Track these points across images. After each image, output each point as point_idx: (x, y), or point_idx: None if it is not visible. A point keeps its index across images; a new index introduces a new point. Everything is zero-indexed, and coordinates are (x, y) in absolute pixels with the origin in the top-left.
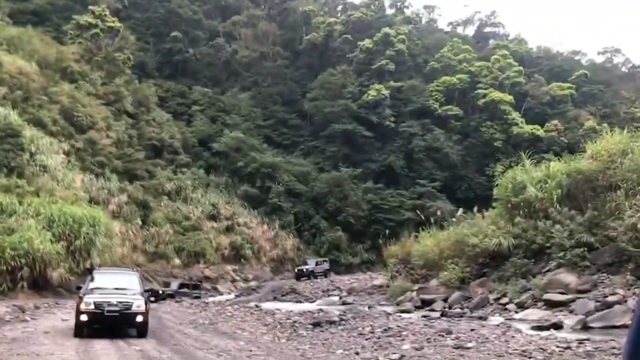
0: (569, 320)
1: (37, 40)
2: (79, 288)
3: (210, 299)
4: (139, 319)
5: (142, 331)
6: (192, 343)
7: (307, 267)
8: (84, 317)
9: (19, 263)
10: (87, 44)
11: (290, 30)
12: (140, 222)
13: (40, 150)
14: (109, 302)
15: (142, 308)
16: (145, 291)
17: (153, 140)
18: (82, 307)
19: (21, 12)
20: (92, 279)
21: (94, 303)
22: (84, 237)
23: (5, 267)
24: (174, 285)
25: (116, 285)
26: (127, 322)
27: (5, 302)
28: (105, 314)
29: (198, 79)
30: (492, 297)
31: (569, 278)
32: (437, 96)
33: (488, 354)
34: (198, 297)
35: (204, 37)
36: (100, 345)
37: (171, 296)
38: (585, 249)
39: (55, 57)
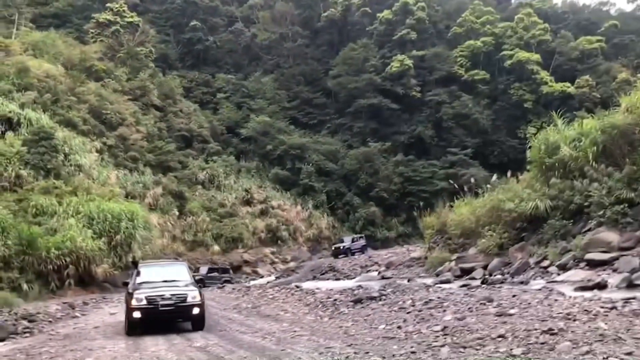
0: (613, 279)
1: (61, 42)
2: (126, 284)
3: (252, 282)
4: (196, 311)
5: (199, 324)
6: (237, 328)
7: (343, 244)
8: (136, 315)
9: (64, 262)
10: (109, 41)
11: (307, 9)
12: (177, 213)
13: (73, 150)
14: (162, 295)
15: (198, 299)
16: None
17: (182, 131)
18: (134, 303)
19: (43, 16)
20: (138, 273)
21: (146, 298)
22: (124, 232)
23: (52, 267)
24: (203, 270)
25: (165, 278)
26: (183, 316)
27: (55, 299)
28: (160, 309)
29: (220, 67)
30: (532, 261)
31: (611, 236)
32: (462, 62)
33: (531, 319)
34: (228, 282)
35: (222, 23)
36: (149, 336)
37: (201, 281)
38: (626, 205)
39: (79, 57)
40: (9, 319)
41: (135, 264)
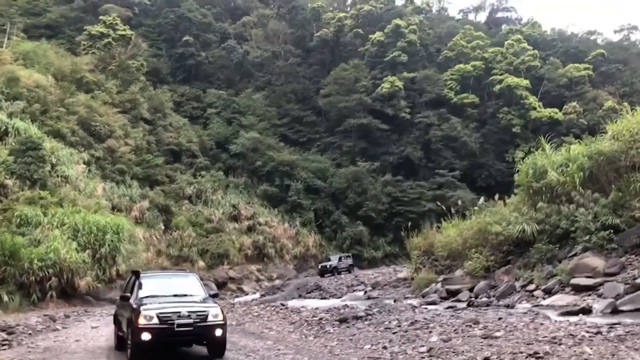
0: (598, 305)
1: (52, 53)
2: (125, 298)
3: (237, 299)
4: (218, 332)
5: (219, 349)
6: None
7: (330, 263)
8: (146, 336)
9: (47, 273)
10: (101, 53)
11: (300, 28)
12: (163, 227)
13: (60, 161)
14: (179, 313)
15: (220, 318)
16: None
17: (171, 145)
18: (142, 322)
19: (35, 27)
20: (140, 285)
21: (158, 316)
22: (109, 245)
23: (34, 278)
24: None
25: (174, 291)
26: (203, 339)
27: (36, 312)
28: (175, 329)
29: (212, 82)
30: (518, 284)
31: (596, 261)
32: (452, 85)
33: (517, 342)
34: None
35: (215, 39)
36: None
37: None
38: (611, 231)
39: (70, 68)
40: None
41: (135, 273)
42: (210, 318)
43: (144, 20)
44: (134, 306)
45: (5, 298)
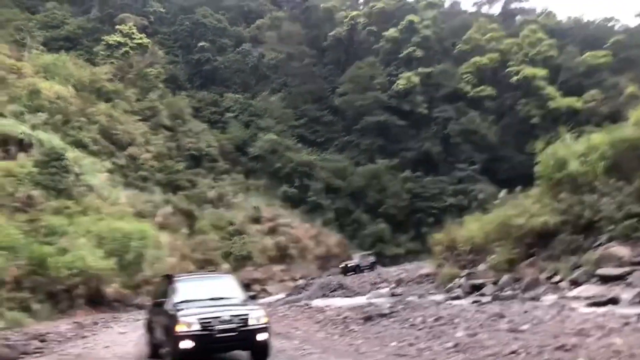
0: (626, 294)
1: (71, 64)
2: (159, 304)
3: (262, 300)
4: (261, 337)
5: (263, 355)
6: None
7: (352, 261)
8: (186, 344)
9: (74, 281)
10: (119, 62)
11: (314, 28)
12: (186, 231)
13: (84, 171)
14: (219, 317)
15: (264, 321)
16: None
17: (191, 151)
18: (181, 329)
19: (54, 39)
20: (174, 290)
21: (199, 321)
22: (134, 251)
23: (62, 286)
24: None
25: (211, 294)
26: (246, 344)
27: (66, 319)
28: (217, 335)
29: (228, 86)
30: (543, 276)
31: (622, 251)
32: (468, 78)
33: (544, 335)
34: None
35: (230, 44)
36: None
37: None
38: (637, 219)
39: (89, 78)
40: (20, 338)
41: (168, 277)
42: (252, 321)
43: (160, 28)
44: (171, 312)
45: (36, 307)
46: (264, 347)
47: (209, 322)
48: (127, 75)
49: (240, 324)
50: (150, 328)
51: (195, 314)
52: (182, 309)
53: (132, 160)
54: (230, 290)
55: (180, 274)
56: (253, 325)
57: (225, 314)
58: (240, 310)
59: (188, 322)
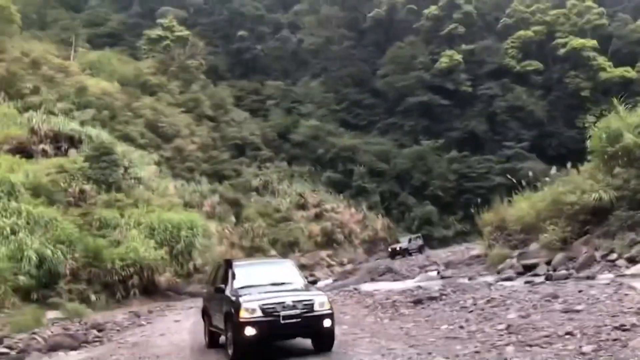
0: None
1: (115, 60)
2: (219, 289)
3: None
4: (327, 323)
5: (328, 342)
6: None
7: (400, 245)
8: (250, 331)
9: (128, 272)
10: (161, 56)
11: (352, 10)
12: (234, 220)
13: (133, 164)
14: (283, 303)
15: (328, 307)
16: None
17: (235, 140)
18: (244, 315)
19: (98, 36)
20: (233, 275)
21: (262, 308)
22: (184, 241)
23: (117, 277)
24: None
25: (271, 280)
26: (310, 331)
27: (122, 309)
28: (282, 322)
29: (269, 74)
30: (598, 254)
31: None
32: (513, 53)
33: (600, 315)
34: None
35: (269, 31)
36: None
37: None
38: None
39: (133, 73)
40: (80, 328)
41: (227, 262)
42: (317, 307)
43: (199, 19)
44: (232, 298)
45: (93, 297)
46: (330, 334)
47: (273, 308)
48: (169, 68)
49: (305, 310)
50: (208, 316)
51: (258, 300)
52: (243, 295)
53: (178, 152)
54: (291, 276)
55: (239, 259)
56: (318, 311)
57: (289, 300)
58: (304, 296)
59: (250, 308)
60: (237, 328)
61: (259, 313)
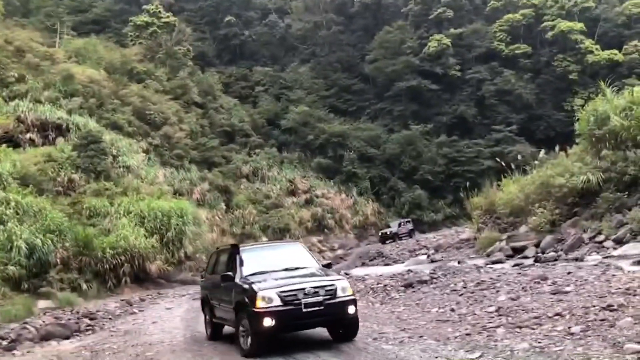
0: None
1: (101, 47)
2: (226, 277)
3: None
4: (351, 310)
5: (352, 330)
6: None
7: (390, 229)
8: (268, 322)
9: (119, 260)
10: (147, 42)
11: None
12: (224, 207)
13: (121, 152)
14: (304, 289)
15: (350, 292)
16: None
17: (224, 127)
18: (261, 305)
19: (83, 23)
20: (241, 262)
21: (280, 296)
22: (175, 228)
23: (108, 266)
24: None
25: (284, 265)
26: (334, 318)
27: (114, 297)
28: (303, 310)
29: (257, 60)
30: (586, 236)
31: None
32: (501, 36)
33: (589, 296)
34: None
35: (256, 16)
36: (202, 328)
37: None
38: None
39: (120, 60)
40: (72, 317)
41: (234, 247)
42: (339, 293)
43: (186, 5)
44: (245, 286)
45: (84, 286)
46: (354, 322)
47: (294, 296)
48: (156, 55)
49: (328, 297)
50: (209, 306)
51: (274, 287)
52: (257, 282)
53: (167, 140)
54: (304, 259)
55: (245, 244)
56: (341, 297)
57: (309, 286)
58: (325, 281)
59: (267, 296)
60: (253, 319)
61: (277, 302)
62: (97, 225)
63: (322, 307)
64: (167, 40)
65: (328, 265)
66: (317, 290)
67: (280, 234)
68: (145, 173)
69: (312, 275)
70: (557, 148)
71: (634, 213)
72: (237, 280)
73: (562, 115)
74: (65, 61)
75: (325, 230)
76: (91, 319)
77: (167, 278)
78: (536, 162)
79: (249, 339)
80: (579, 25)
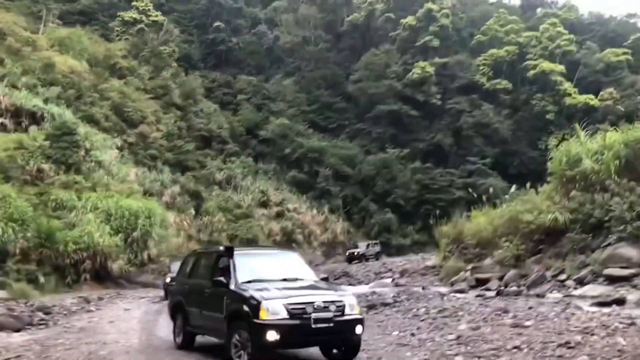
0: (632, 296)
1: (86, 39)
2: (219, 283)
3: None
4: (359, 330)
5: (353, 353)
6: None
7: (358, 250)
8: (273, 336)
9: (81, 256)
10: (133, 39)
11: (330, 13)
12: (193, 212)
13: (94, 147)
14: (313, 303)
15: (358, 310)
16: None
17: (202, 131)
18: (266, 317)
19: (70, 13)
20: (234, 267)
21: (287, 308)
22: (141, 229)
23: (69, 261)
24: None
25: (283, 274)
26: (341, 337)
27: (71, 293)
28: (313, 326)
29: (242, 68)
30: (549, 274)
31: (631, 252)
32: (484, 70)
33: (547, 331)
34: None
35: (245, 25)
36: (163, 332)
37: None
38: None
39: (103, 54)
40: (25, 310)
41: (229, 250)
42: (347, 310)
43: (176, 6)
44: (245, 294)
45: (42, 279)
46: (358, 343)
47: (302, 309)
48: (141, 53)
49: (338, 313)
50: (183, 313)
51: (282, 298)
52: (260, 290)
53: (142, 139)
54: (302, 271)
55: (239, 248)
56: (349, 315)
57: (319, 300)
58: (334, 296)
59: (272, 308)
60: (255, 332)
61: (283, 314)
62: (62, 219)
63: (332, 324)
64: (154, 39)
65: (325, 279)
66: (327, 305)
67: (247, 244)
68: (116, 170)
69: (317, 288)
70: (528, 185)
71: (597, 255)
72: (232, 287)
73: (536, 153)
74: (48, 49)
75: (294, 244)
76: (46, 313)
77: (129, 279)
78: (507, 196)
79: (246, 353)
80: (560, 68)
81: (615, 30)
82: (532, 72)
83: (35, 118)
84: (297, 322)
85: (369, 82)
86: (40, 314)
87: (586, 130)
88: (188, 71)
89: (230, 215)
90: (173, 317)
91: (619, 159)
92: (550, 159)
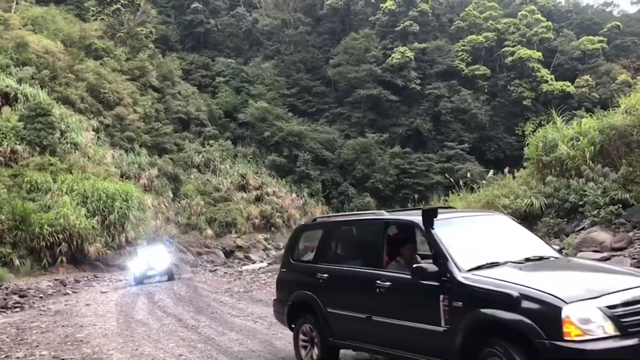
0: None
1: (61, 18)
2: (429, 275)
3: (244, 267)
4: None
5: None
6: (228, 311)
7: None
8: None
9: (57, 239)
10: (109, 19)
11: None
12: (171, 195)
13: (70, 128)
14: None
15: None
16: None
17: (180, 114)
18: (578, 335)
19: None
20: (442, 244)
21: (611, 316)
22: (118, 212)
23: (44, 243)
24: None
25: (516, 252)
26: None
27: (47, 276)
28: None
29: (221, 50)
30: None
31: (603, 236)
32: (463, 56)
33: None
34: None
35: (224, 7)
36: (141, 315)
37: None
38: (620, 205)
39: (79, 34)
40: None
41: (430, 212)
42: None
43: None
44: (511, 293)
45: (17, 262)
46: None
47: (625, 315)
48: (117, 33)
49: None
50: (316, 315)
51: (592, 298)
52: (532, 288)
53: (119, 120)
54: (534, 242)
55: (443, 210)
56: None
57: (629, 294)
58: None
59: (585, 315)
60: (560, 353)
61: (608, 327)
62: (37, 201)
63: None
64: (130, 19)
65: (560, 252)
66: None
67: (226, 228)
68: (93, 152)
69: (607, 271)
70: (505, 170)
71: (571, 239)
72: (458, 277)
73: (513, 138)
74: (21, 28)
75: (273, 228)
76: (21, 296)
77: (105, 262)
78: (484, 181)
79: None
80: (537, 54)
81: (592, 19)
82: (510, 58)
83: (9, 99)
84: (633, 341)
85: (348, 66)
86: (15, 297)
87: (562, 117)
88: (165, 53)
89: (209, 198)
90: (290, 322)
91: (594, 145)
92: (527, 144)
